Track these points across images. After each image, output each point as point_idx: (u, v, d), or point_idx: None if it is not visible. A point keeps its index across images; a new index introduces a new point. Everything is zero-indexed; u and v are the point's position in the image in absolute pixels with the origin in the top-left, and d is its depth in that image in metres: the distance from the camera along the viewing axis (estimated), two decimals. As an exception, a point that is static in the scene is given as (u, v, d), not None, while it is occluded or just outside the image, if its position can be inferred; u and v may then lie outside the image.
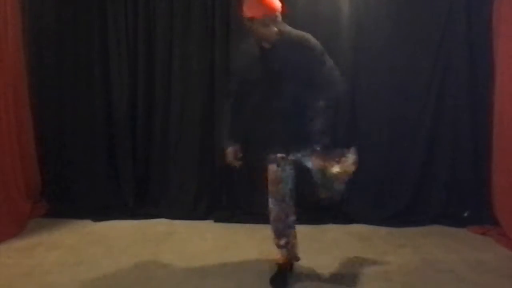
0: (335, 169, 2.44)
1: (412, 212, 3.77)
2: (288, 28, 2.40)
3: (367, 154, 3.80)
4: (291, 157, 2.51)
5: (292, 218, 2.61)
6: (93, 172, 3.97)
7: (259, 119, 2.50)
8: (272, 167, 2.53)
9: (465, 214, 3.76)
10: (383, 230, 3.60)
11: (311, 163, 2.46)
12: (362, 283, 2.70)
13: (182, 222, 3.73)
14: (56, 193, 3.97)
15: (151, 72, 3.91)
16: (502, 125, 3.45)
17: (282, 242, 2.62)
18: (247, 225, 3.52)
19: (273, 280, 2.61)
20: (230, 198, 3.95)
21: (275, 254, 2.70)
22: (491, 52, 3.56)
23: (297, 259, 2.72)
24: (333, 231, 3.56)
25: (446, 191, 3.79)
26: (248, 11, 2.28)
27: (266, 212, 2.65)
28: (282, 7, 2.32)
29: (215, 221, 3.75)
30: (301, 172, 2.57)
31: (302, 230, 3.51)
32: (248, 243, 3.22)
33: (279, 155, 2.50)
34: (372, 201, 3.84)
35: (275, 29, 2.28)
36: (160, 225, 3.69)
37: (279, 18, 2.30)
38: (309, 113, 2.39)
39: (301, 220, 3.63)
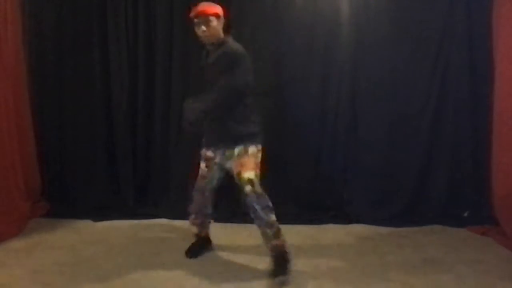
0: (247, 173, 2.67)
1: (412, 212, 3.78)
2: (230, 40, 2.70)
3: (367, 154, 3.83)
4: (217, 159, 2.81)
5: (205, 206, 3.02)
6: (93, 172, 3.97)
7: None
8: (202, 165, 2.90)
9: (465, 214, 3.76)
10: (383, 230, 3.60)
11: (230, 165, 2.75)
12: (362, 283, 2.70)
13: (182, 222, 3.72)
14: (56, 193, 3.97)
15: (151, 72, 3.91)
16: (502, 125, 3.45)
17: (198, 221, 3.05)
18: (247, 225, 3.50)
19: (189, 250, 3.07)
20: (230, 198, 3.94)
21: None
22: (491, 52, 3.56)
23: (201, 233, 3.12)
24: (333, 231, 3.56)
25: (446, 191, 3.79)
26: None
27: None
28: (223, 13, 2.70)
29: (215, 221, 3.75)
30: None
31: (302, 230, 3.54)
32: (248, 243, 3.22)
33: (209, 154, 2.83)
34: (372, 201, 3.84)
35: (203, 30, 2.65)
36: (160, 225, 3.69)
37: (212, 22, 2.64)
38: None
39: (301, 220, 3.67)
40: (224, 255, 3.10)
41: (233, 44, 2.68)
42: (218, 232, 3.54)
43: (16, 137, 3.61)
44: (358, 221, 3.72)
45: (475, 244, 3.32)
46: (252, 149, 2.71)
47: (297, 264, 2.87)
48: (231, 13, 3.74)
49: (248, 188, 2.64)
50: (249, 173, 2.66)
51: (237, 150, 2.70)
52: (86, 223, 3.68)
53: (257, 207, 2.65)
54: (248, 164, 2.68)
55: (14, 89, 3.60)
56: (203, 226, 3.10)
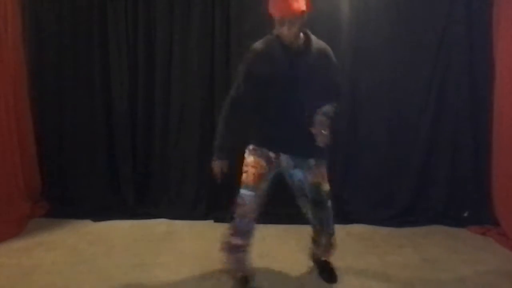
0: (327, 186, 2.50)
1: (412, 212, 3.78)
2: (313, 36, 2.39)
3: (367, 154, 3.83)
4: (283, 162, 2.44)
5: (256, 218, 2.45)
6: (93, 172, 3.97)
7: (269, 119, 2.41)
8: (260, 161, 2.39)
9: (465, 214, 3.76)
10: (383, 230, 3.60)
11: (307, 176, 2.45)
12: (362, 283, 2.70)
13: (182, 222, 3.73)
14: (56, 193, 3.97)
15: (151, 72, 3.90)
16: (502, 125, 3.46)
17: (240, 242, 2.44)
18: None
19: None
20: (230, 198, 3.93)
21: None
22: (491, 53, 3.57)
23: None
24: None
25: (446, 191, 3.79)
26: (269, 8, 2.25)
27: (266, 211, 2.65)
28: (307, 11, 2.25)
29: (215, 221, 3.75)
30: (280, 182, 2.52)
31: (302, 230, 3.52)
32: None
33: (271, 154, 2.41)
34: (372, 201, 3.84)
35: (295, 31, 2.24)
36: (160, 225, 3.69)
37: (300, 21, 2.24)
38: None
39: (301, 220, 3.67)
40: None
41: (317, 39, 2.41)
42: (218, 232, 3.54)
43: (16, 137, 3.61)
44: (358, 221, 3.72)
45: (475, 244, 3.33)
46: (325, 161, 2.51)
47: (297, 264, 2.88)
48: (231, 13, 3.77)
49: (329, 202, 2.54)
50: (327, 186, 2.51)
51: (314, 159, 2.45)
52: (86, 223, 3.68)
53: (331, 221, 2.61)
54: (326, 176, 2.51)
55: (14, 89, 3.60)
56: (243, 261, 2.50)
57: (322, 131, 2.23)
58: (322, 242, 2.71)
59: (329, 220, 2.61)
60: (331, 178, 2.55)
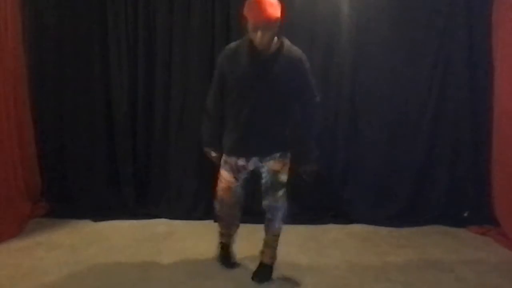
0: (284, 176, 2.59)
1: (412, 212, 3.78)
2: (288, 43, 2.44)
3: (367, 154, 3.83)
4: (250, 167, 2.58)
5: (236, 227, 2.90)
6: (93, 172, 3.96)
7: (235, 124, 2.52)
8: (228, 176, 2.61)
9: (465, 214, 3.76)
10: (383, 230, 3.60)
11: (269, 164, 2.56)
12: (362, 283, 2.70)
13: (182, 222, 3.73)
14: (56, 193, 3.97)
15: (151, 72, 3.90)
16: (502, 125, 3.46)
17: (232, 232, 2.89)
18: (247, 225, 3.50)
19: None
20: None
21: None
22: (491, 53, 3.57)
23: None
24: (333, 231, 3.56)
25: (446, 191, 3.79)
26: (244, 12, 2.30)
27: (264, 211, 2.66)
28: (280, 19, 2.30)
29: (215, 221, 3.74)
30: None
31: (302, 230, 3.54)
32: (248, 243, 3.22)
33: (240, 163, 2.56)
34: (372, 201, 3.84)
35: (267, 38, 2.29)
36: (160, 225, 3.69)
37: (273, 28, 2.29)
38: (290, 120, 2.54)
39: (301, 220, 3.67)
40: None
41: (292, 46, 2.45)
42: (218, 232, 3.54)
43: (16, 137, 3.61)
44: (358, 221, 3.72)
45: (475, 244, 3.33)
46: (288, 154, 2.61)
47: (297, 264, 2.88)
48: (231, 13, 3.77)
49: (281, 191, 2.59)
50: (285, 177, 2.59)
51: (279, 153, 2.56)
52: (86, 223, 3.68)
53: (280, 213, 2.63)
54: (286, 167, 2.59)
55: (14, 89, 3.60)
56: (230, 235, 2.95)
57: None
58: (266, 241, 2.76)
59: (276, 212, 2.62)
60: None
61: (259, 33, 2.26)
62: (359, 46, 3.75)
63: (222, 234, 2.93)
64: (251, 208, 3.71)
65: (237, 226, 2.92)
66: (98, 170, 3.97)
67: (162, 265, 2.92)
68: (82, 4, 3.82)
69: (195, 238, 3.41)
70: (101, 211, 3.81)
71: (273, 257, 2.77)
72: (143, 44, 3.87)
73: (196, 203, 3.89)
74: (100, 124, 3.94)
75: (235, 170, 2.58)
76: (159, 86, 3.90)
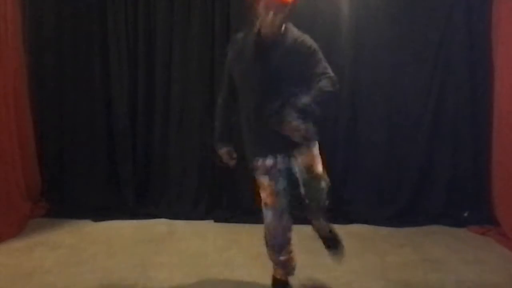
0: (319, 167, 2.39)
1: (412, 212, 3.78)
2: (295, 30, 2.31)
3: (367, 154, 3.83)
4: (280, 165, 2.38)
5: (290, 233, 2.52)
6: (93, 172, 3.97)
7: (248, 120, 2.38)
8: (265, 180, 2.40)
9: (465, 214, 3.76)
10: (383, 230, 3.60)
11: (299, 160, 2.36)
12: (362, 283, 2.70)
13: (182, 222, 3.73)
14: (56, 193, 3.97)
15: (151, 72, 3.91)
16: (502, 125, 3.46)
17: (282, 258, 2.51)
18: (247, 225, 3.51)
19: None
20: (230, 198, 3.95)
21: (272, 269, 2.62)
22: (491, 53, 3.57)
23: (293, 273, 2.61)
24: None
25: (446, 191, 3.79)
26: None
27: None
28: (293, 2, 2.18)
29: (215, 221, 3.76)
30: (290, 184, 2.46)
31: (302, 230, 3.50)
32: (248, 243, 3.22)
33: (268, 163, 2.37)
34: (372, 201, 3.84)
35: (278, 21, 2.16)
36: (160, 225, 3.68)
37: (285, 12, 2.17)
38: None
39: (301, 220, 3.67)
40: (224, 255, 3.10)
41: (293, 28, 2.29)
42: (218, 232, 3.54)
43: (16, 137, 3.61)
44: (358, 221, 3.72)
45: (475, 244, 3.33)
46: (315, 144, 2.42)
47: (297, 264, 2.87)
48: (231, 13, 3.77)
49: (323, 183, 2.39)
50: (320, 168, 2.39)
51: (304, 145, 2.36)
52: (86, 223, 3.68)
53: (324, 197, 2.44)
54: (318, 160, 2.39)
55: (14, 89, 3.60)
56: (288, 264, 2.56)
57: (294, 126, 2.20)
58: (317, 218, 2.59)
59: (321, 196, 2.42)
60: (331, 178, 2.52)
61: (270, 15, 2.12)
62: (359, 47, 3.75)
63: (277, 265, 2.57)
64: (251, 208, 3.73)
65: (293, 261, 2.58)
66: (98, 170, 3.97)
67: (162, 265, 2.92)
68: (82, 4, 3.83)
69: (195, 238, 3.41)
70: (101, 211, 3.81)
71: (327, 226, 2.65)
72: (143, 44, 3.87)
73: (196, 203, 3.89)
74: (100, 124, 3.94)
75: (268, 172, 2.39)
76: (159, 86, 3.90)
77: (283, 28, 2.24)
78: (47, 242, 3.26)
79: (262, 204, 2.45)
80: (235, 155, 2.52)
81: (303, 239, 3.28)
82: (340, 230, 3.55)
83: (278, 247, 2.48)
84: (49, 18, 3.85)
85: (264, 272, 2.75)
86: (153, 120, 3.96)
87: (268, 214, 2.43)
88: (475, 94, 3.70)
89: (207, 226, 3.67)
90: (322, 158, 2.45)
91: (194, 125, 3.88)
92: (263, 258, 2.89)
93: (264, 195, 2.42)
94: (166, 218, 3.79)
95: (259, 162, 2.39)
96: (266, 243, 2.51)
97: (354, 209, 3.81)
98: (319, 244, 3.29)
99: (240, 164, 2.56)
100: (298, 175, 2.40)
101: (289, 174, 2.42)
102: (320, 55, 2.31)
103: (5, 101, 3.47)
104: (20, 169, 3.63)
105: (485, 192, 3.66)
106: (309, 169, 2.36)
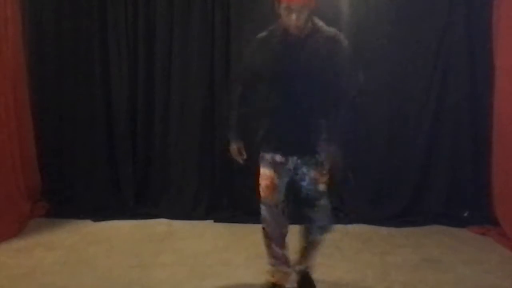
0: (324, 185, 2.38)
1: (412, 212, 3.77)
2: (321, 23, 2.30)
3: (367, 154, 3.82)
4: (290, 165, 2.34)
5: (286, 230, 2.49)
6: (93, 172, 3.97)
7: (270, 116, 2.34)
8: (269, 171, 2.35)
9: (465, 214, 3.76)
10: (383, 230, 3.60)
11: (310, 171, 2.34)
12: (362, 283, 2.70)
13: (182, 222, 3.73)
14: (56, 193, 3.97)
15: (151, 72, 3.91)
16: (502, 126, 3.45)
17: (285, 252, 2.52)
18: (247, 225, 3.51)
19: None
20: (230, 198, 3.95)
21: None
22: (491, 53, 3.56)
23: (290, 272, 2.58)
24: (333, 231, 3.55)
25: (446, 191, 3.79)
26: None
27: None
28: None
29: (215, 221, 3.76)
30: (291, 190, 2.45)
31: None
32: (248, 243, 3.22)
33: (278, 159, 2.33)
34: (372, 201, 3.84)
35: (303, 20, 2.14)
36: (160, 225, 3.69)
37: (309, 9, 2.17)
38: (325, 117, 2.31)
39: (300, 220, 3.67)
40: (224, 255, 3.10)
41: (323, 24, 2.27)
42: (218, 232, 3.54)
43: (16, 137, 3.61)
44: (358, 221, 3.72)
45: (475, 244, 3.32)
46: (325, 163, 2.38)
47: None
48: (231, 13, 3.77)
49: (323, 201, 2.38)
50: (324, 186, 2.37)
51: (318, 157, 2.33)
52: (86, 223, 3.68)
53: (324, 219, 2.43)
54: (326, 177, 2.38)
55: (14, 89, 3.60)
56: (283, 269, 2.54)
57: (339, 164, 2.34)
58: (310, 240, 2.51)
59: (322, 216, 2.41)
60: (330, 176, 2.50)
61: (293, 15, 2.10)
62: (359, 47, 3.73)
63: (272, 268, 2.54)
64: (251, 208, 3.73)
65: (288, 261, 2.56)
66: (98, 170, 3.97)
67: (162, 265, 2.92)
68: (82, 4, 3.83)
69: (195, 238, 3.41)
70: (101, 211, 3.81)
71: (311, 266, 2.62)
72: (143, 44, 3.87)
73: (196, 203, 3.89)
74: (100, 124, 3.94)
75: (274, 166, 2.34)
76: (159, 86, 3.90)
77: (309, 24, 2.22)
78: (47, 242, 3.26)
79: (260, 193, 2.41)
80: (244, 153, 2.51)
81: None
82: (340, 230, 3.58)
83: (277, 239, 2.48)
84: (49, 18, 3.85)
85: (264, 272, 2.75)
86: (153, 120, 3.96)
87: (263, 207, 2.42)
88: (475, 94, 3.70)
89: (207, 226, 3.67)
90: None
91: (194, 125, 3.88)
92: (263, 258, 2.90)
93: (263, 184, 2.38)
94: (166, 218, 3.80)
95: (268, 155, 2.35)
96: (266, 235, 2.47)
97: (354, 209, 3.81)
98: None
99: (248, 162, 2.54)
100: (302, 183, 2.38)
101: (293, 179, 2.40)
102: (348, 54, 2.33)
103: (5, 101, 3.47)
104: (20, 169, 3.63)
105: (485, 192, 3.65)
106: (315, 182, 2.36)
